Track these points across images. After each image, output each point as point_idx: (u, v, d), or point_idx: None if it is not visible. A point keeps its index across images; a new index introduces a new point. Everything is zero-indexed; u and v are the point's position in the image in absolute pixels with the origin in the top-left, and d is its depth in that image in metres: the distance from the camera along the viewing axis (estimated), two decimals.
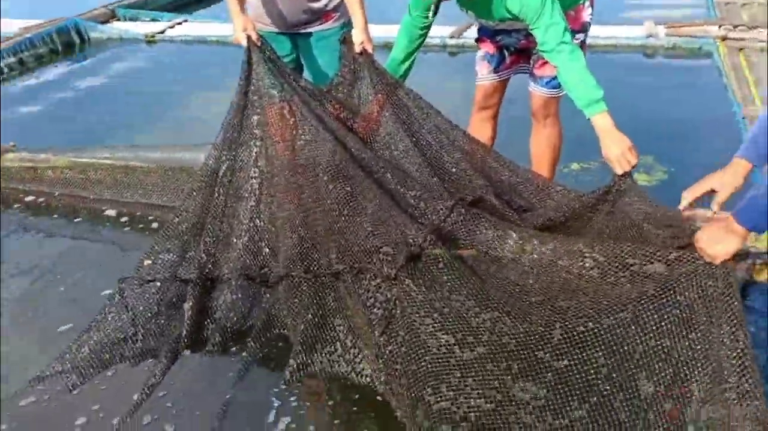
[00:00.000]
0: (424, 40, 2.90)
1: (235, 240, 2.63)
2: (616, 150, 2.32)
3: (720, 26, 6.14)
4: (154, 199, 3.73)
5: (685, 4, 7.79)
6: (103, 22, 7.71)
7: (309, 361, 2.32)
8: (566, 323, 2.04)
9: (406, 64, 2.90)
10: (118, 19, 7.97)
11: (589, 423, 1.92)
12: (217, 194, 2.68)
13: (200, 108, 5.32)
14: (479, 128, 3.16)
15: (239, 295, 2.55)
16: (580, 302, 2.10)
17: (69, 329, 2.68)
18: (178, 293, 2.59)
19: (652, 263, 2.08)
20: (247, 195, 2.66)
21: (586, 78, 2.43)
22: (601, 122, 2.39)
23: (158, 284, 2.59)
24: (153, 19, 7.96)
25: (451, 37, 6.37)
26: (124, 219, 3.61)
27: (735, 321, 1.87)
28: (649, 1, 7.87)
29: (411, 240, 2.28)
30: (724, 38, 5.83)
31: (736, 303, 1.89)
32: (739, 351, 1.86)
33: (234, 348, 2.54)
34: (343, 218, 2.46)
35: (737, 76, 5.07)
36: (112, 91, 5.94)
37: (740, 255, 2.71)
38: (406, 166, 2.63)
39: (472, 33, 6.21)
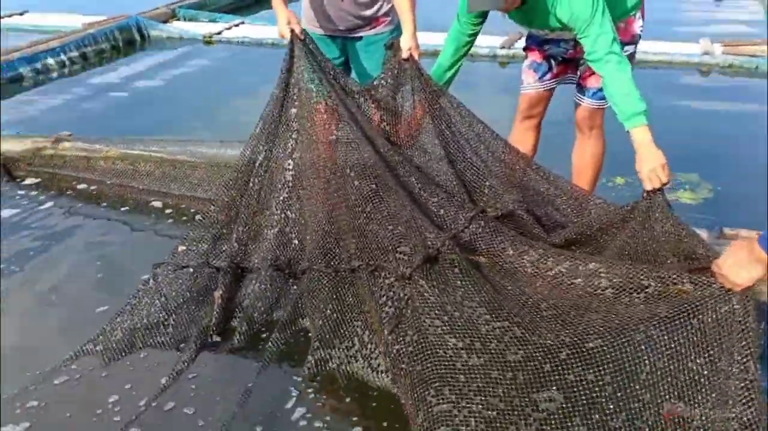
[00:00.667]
0: (470, 47, 2.91)
1: (266, 231, 2.68)
2: (649, 166, 2.31)
3: None
4: (199, 193, 3.81)
5: (742, 20, 7.62)
6: (164, 21, 7.96)
7: (327, 357, 2.35)
8: (576, 338, 2.03)
9: (452, 70, 2.92)
10: (178, 19, 8.22)
11: None
12: (252, 185, 2.74)
13: (252, 109, 5.37)
14: (522, 137, 3.14)
15: (268, 285, 2.59)
16: (591, 320, 2.09)
17: (105, 311, 2.76)
18: (209, 280, 2.65)
19: (667, 285, 2.08)
20: (280, 187, 2.71)
21: (631, 90, 2.41)
22: (640, 135, 2.37)
23: (191, 270, 2.65)
24: (211, 20, 8.18)
25: (502, 47, 6.35)
26: (168, 211, 3.71)
27: (747, 351, 1.85)
28: (706, 17, 7.70)
29: (429, 243, 2.30)
30: None
31: (750, 333, 1.87)
32: (747, 381, 1.83)
33: (261, 337, 2.58)
34: (364, 216, 2.49)
35: None
36: (169, 90, 6.12)
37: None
38: (439, 173, 2.64)
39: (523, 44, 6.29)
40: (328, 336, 2.38)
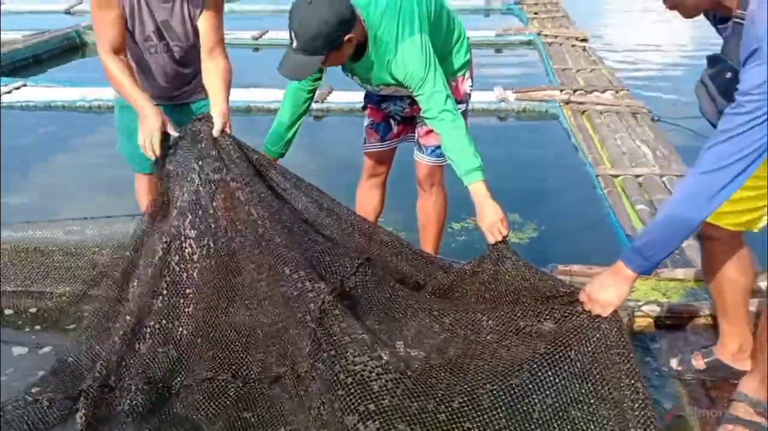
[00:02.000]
0: (310, 103, 2.87)
1: (138, 344, 2.39)
2: (489, 220, 2.37)
3: (561, 90, 6.67)
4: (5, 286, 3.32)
5: (528, 71, 8.42)
6: None
7: None
8: (466, 385, 2.03)
9: (294, 129, 2.85)
10: None
11: None
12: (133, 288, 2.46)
13: (54, 180, 4.95)
14: (368, 195, 3.15)
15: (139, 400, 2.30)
16: (478, 366, 2.11)
17: None
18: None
19: (541, 322, 2.15)
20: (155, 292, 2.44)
21: (466, 147, 2.48)
22: (477, 190, 2.44)
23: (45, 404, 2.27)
24: None
25: (315, 101, 6.38)
26: None
27: (632, 372, 1.95)
28: (495, 70, 8.40)
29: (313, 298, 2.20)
30: (567, 102, 6.31)
31: (630, 353, 1.98)
32: (640, 401, 1.93)
33: None
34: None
35: (584, 137, 5.48)
36: None
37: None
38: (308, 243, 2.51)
39: (335, 98, 6.42)
40: None
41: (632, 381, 1.95)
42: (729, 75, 1.93)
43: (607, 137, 5.37)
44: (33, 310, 3.15)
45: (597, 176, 4.64)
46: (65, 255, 3.26)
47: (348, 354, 2.08)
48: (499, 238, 2.36)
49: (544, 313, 2.15)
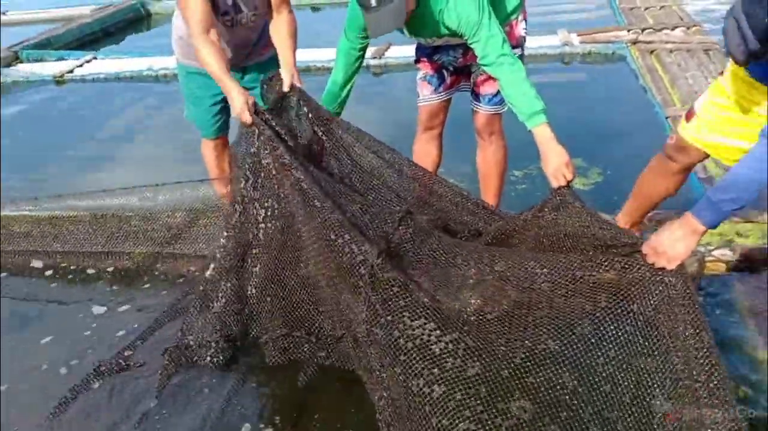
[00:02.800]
0: (362, 62, 2.87)
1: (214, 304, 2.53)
2: (554, 164, 2.32)
3: (629, 30, 6.40)
4: (86, 248, 3.52)
5: (590, 8, 8.11)
6: (6, 66, 7.36)
7: None
8: (527, 341, 2.03)
9: (347, 88, 2.86)
10: (22, 61, 7.62)
11: None
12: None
13: (124, 149, 5.14)
14: (425, 148, 3.15)
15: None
16: (537, 319, 2.09)
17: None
18: None
19: (600, 272, 2.09)
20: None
21: (527, 90, 2.44)
22: (541, 133, 2.39)
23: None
24: (59, 59, 7.65)
25: (374, 57, 6.37)
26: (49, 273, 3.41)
27: (698, 322, 1.91)
28: (557, 8, 8.13)
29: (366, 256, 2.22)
30: (634, 42, 6.06)
31: (695, 305, 1.94)
32: (705, 350, 1.90)
33: None
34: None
35: (653, 78, 5.27)
36: (30, 139, 5.62)
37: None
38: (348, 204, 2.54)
39: (394, 53, 6.38)
40: None
41: (697, 331, 1.91)
42: (766, 20, 1.79)
43: (678, 77, 5.15)
44: (110, 269, 3.37)
45: (666, 117, 4.47)
46: (141, 220, 3.43)
47: (405, 318, 2.08)
48: (564, 182, 2.31)
49: (603, 263, 2.09)
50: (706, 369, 1.88)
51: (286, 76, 2.64)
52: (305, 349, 2.51)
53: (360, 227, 2.34)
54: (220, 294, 2.55)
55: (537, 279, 2.20)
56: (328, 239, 2.30)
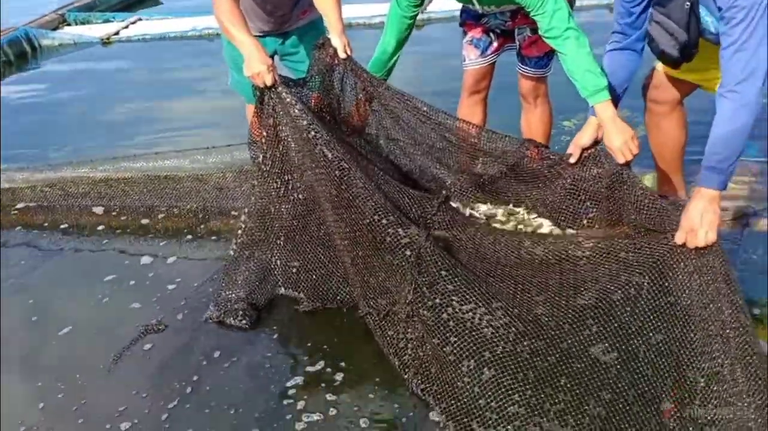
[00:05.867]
0: (411, 30, 2.87)
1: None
2: (619, 140, 2.34)
3: None
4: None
5: None
6: (53, 29, 7.50)
7: None
8: (573, 326, 2.08)
9: (396, 56, 2.87)
10: (69, 24, 7.76)
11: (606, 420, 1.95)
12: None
13: (173, 111, 5.24)
14: (470, 112, 3.13)
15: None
16: (581, 304, 2.13)
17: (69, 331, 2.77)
18: None
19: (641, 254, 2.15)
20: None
21: (592, 66, 2.42)
22: (604, 110, 2.39)
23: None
24: (105, 21, 7.77)
25: None
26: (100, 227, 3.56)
27: (737, 304, 1.94)
28: None
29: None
30: None
31: (733, 283, 1.96)
32: (740, 329, 1.92)
33: None
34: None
35: None
36: (74, 99, 5.76)
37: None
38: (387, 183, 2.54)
39: (435, 6, 6.31)
40: None
41: (735, 309, 1.94)
42: (687, 5, 2.13)
43: None
44: (161, 224, 3.50)
45: None
46: (194, 181, 3.54)
47: (453, 302, 2.13)
48: (630, 157, 2.34)
49: (644, 247, 2.15)
50: (741, 346, 1.91)
51: (338, 44, 2.63)
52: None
53: (402, 208, 2.39)
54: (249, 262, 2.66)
55: (579, 262, 2.27)
56: (367, 217, 2.31)
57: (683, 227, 2.04)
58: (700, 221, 2.00)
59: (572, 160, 2.45)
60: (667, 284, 2.05)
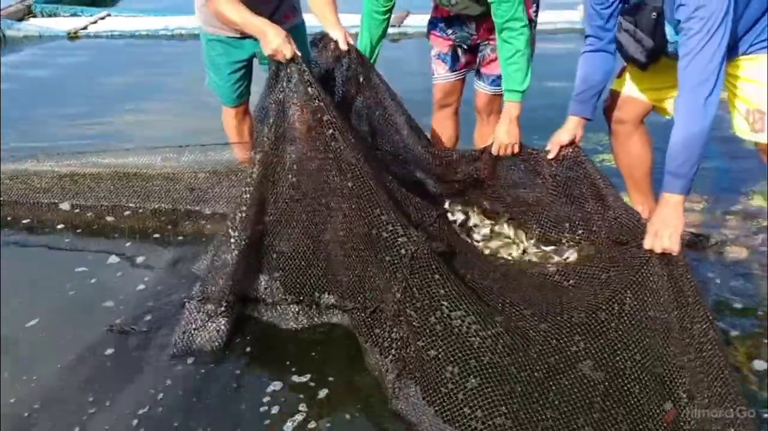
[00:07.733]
0: (386, 27, 2.90)
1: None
2: (504, 140, 2.68)
3: None
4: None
5: None
6: (19, 19, 7.32)
7: None
8: (559, 341, 2.09)
9: (374, 54, 2.90)
10: (35, 15, 7.58)
11: None
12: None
13: (137, 109, 5.12)
14: (441, 126, 3.17)
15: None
16: (567, 321, 2.15)
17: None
18: None
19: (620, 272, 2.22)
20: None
21: (523, 65, 2.62)
22: (511, 110, 2.68)
23: None
24: (73, 14, 7.62)
25: (392, 25, 6.31)
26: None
27: (703, 316, 1.98)
28: None
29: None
30: None
31: (700, 297, 2.01)
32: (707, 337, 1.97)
33: None
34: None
35: None
36: (35, 94, 5.58)
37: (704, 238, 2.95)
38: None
39: (412, 21, 6.34)
40: None
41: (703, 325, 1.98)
42: (654, 15, 2.26)
43: None
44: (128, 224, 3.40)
45: None
46: (164, 180, 3.45)
47: (443, 306, 2.12)
48: (503, 152, 2.68)
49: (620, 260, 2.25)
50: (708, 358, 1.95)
51: (339, 36, 2.62)
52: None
53: (403, 210, 2.41)
54: (235, 253, 2.53)
55: (567, 276, 2.40)
56: (369, 211, 2.30)
57: (649, 231, 2.12)
58: (664, 226, 2.08)
59: (550, 156, 2.62)
60: (645, 296, 2.08)
